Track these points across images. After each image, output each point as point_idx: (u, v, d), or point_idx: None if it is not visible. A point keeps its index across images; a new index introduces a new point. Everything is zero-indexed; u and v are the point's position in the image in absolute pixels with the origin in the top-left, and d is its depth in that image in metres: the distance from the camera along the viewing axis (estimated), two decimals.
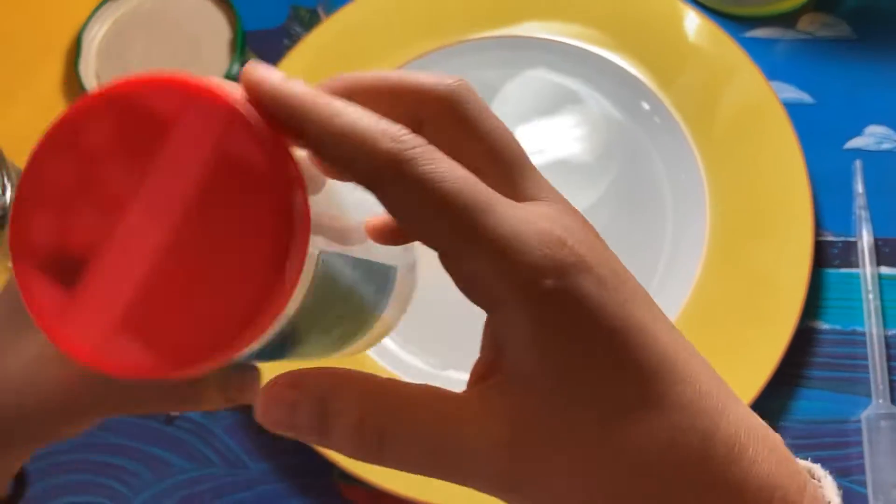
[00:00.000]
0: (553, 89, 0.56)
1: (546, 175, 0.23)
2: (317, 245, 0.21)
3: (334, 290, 0.23)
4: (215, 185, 0.19)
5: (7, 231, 0.44)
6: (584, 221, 0.22)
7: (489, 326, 0.22)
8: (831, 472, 0.46)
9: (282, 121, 0.20)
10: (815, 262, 0.49)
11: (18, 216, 0.20)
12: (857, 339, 0.49)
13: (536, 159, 0.52)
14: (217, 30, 0.61)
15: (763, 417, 0.46)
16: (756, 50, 0.55)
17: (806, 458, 0.24)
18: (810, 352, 0.49)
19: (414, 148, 0.19)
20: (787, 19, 0.57)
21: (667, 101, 0.54)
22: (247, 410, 0.50)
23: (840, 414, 0.47)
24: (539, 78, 0.56)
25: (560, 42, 0.57)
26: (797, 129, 0.51)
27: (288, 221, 0.19)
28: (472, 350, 0.24)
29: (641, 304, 0.21)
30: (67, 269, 0.20)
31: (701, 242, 0.50)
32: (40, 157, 0.20)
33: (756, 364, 0.47)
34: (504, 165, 0.22)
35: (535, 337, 0.20)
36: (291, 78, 0.20)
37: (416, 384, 0.21)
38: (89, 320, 0.19)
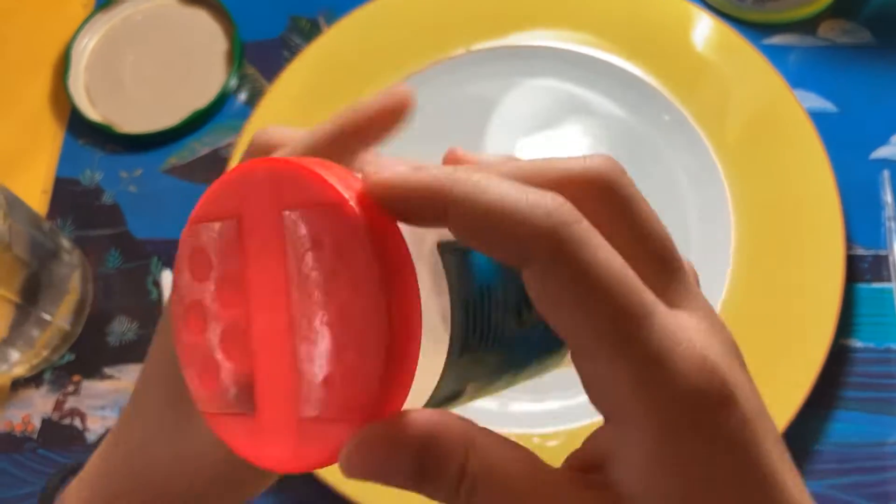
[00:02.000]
0: (565, 98, 0.54)
1: None
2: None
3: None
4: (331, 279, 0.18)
5: None
6: (732, 342, 0.20)
7: (603, 432, 0.20)
8: (870, 498, 0.44)
9: (419, 213, 0.18)
10: (846, 276, 0.47)
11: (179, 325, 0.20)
12: (892, 358, 0.47)
13: None
14: (213, 41, 0.58)
15: (797, 441, 0.44)
16: (775, 57, 0.53)
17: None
18: (844, 371, 0.46)
19: (572, 224, 0.17)
20: (806, 26, 0.55)
21: (686, 111, 0.52)
22: None
23: (878, 436, 0.45)
24: (550, 87, 0.54)
25: (571, 51, 0.54)
26: (821, 139, 0.49)
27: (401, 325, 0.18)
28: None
29: (778, 447, 0.19)
30: (237, 384, 0.20)
31: (727, 259, 0.48)
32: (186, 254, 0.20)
33: (789, 387, 0.44)
34: (654, 261, 0.20)
35: (660, 470, 0.18)
36: (420, 166, 0.18)
37: (511, 442, 0.19)
38: (273, 436, 0.19)
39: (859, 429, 0.45)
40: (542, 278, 0.18)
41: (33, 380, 0.50)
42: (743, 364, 0.20)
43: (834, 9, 0.55)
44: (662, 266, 0.20)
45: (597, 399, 0.19)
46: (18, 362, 0.49)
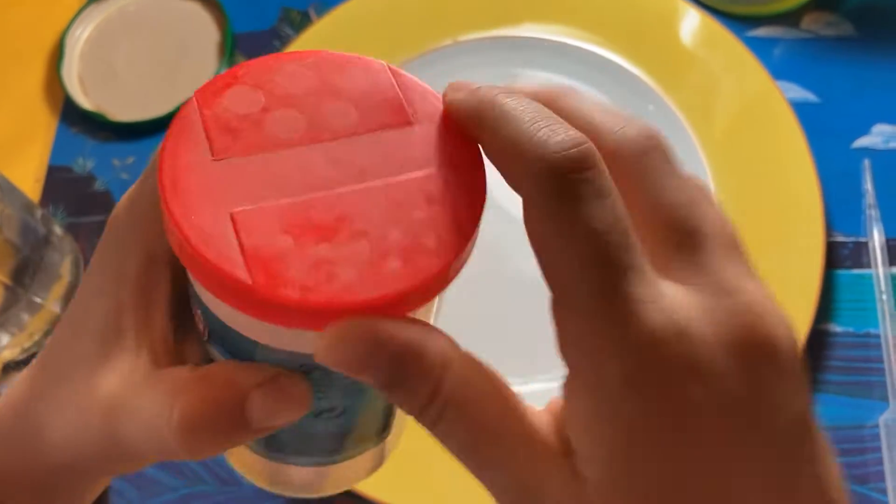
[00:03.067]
0: None
1: None
2: None
3: None
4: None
5: None
6: (755, 333, 0.19)
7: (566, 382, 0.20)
8: (849, 480, 0.44)
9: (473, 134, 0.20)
10: (826, 263, 0.47)
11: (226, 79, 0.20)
12: (871, 342, 0.47)
13: None
14: (205, 32, 0.59)
15: None
16: (759, 49, 0.54)
17: None
18: (824, 356, 0.47)
19: (582, 172, 0.18)
20: (789, 18, 0.56)
21: (670, 103, 0.53)
22: None
23: (857, 419, 0.46)
24: (536, 78, 0.55)
25: (557, 42, 0.55)
26: (803, 129, 0.50)
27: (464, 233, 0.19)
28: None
29: (779, 467, 0.19)
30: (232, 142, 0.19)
31: None
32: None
33: None
34: (661, 230, 0.20)
35: (596, 427, 0.18)
36: (480, 87, 0.20)
37: (492, 375, 0.20)
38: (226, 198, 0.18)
39: (839, 411, 0.46)
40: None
41: (24, 363, 0.51)
42: (766, 361, 0.19)
43: (817, 1, 0.56)
44: (668, 236, 0.20)
45: (570, 355, 0.19)
46: (9, 345, 0.49)
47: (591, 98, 0.21)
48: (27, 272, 0.49)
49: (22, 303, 0.49)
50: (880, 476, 0.44)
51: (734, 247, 0.20)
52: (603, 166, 0.18)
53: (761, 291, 0.19)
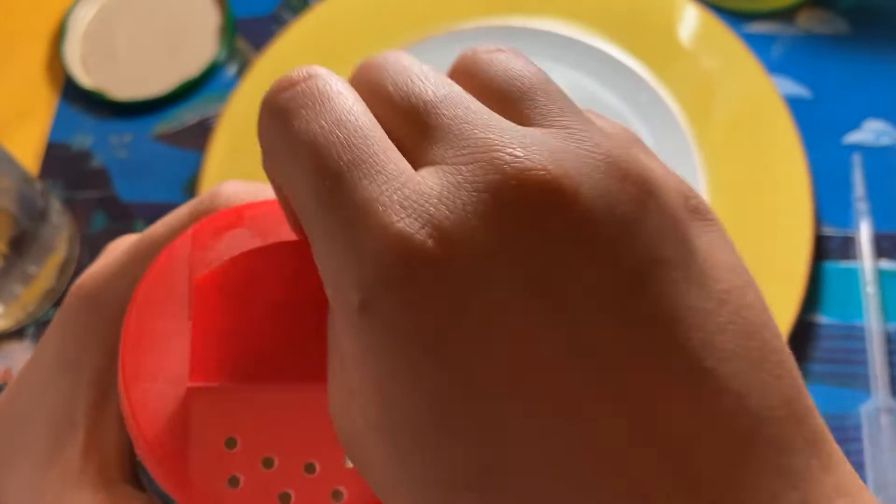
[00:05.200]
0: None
1: None
2: None
3: None
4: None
5: None
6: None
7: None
8: None
9: None
10: (815, 255, 0.48)
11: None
12: (856, 334, 0.47)
13: None
14: (205, 16, 0.60)
15: None
16: (754, 45, 0.54)
17: None
18: (809, 346, 0.47)
19: (283, 91, 0.18)
20: (785, 15, 0.56)
21: (664, 95, 0.53)
22: None
23: (841, 409, 0.46)
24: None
25: (550, 32, 0.56)
26: (796, 124, 0.51)
27: None
28: None
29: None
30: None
31: None
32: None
33: None
34: (401, 118, 0.18)
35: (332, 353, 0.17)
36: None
37: None
38: None
39: (823, 401, 0.46)
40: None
41: (17, 333, 0.51)
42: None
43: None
44: (407, 120, 0.17)
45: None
46: (3, 315, 0.50)
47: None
48: (23, 243, 0.49)
49: (16, 273, 0.49)
50: (861, 466, 0.44)
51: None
52: (315, 81, 0.18)
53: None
